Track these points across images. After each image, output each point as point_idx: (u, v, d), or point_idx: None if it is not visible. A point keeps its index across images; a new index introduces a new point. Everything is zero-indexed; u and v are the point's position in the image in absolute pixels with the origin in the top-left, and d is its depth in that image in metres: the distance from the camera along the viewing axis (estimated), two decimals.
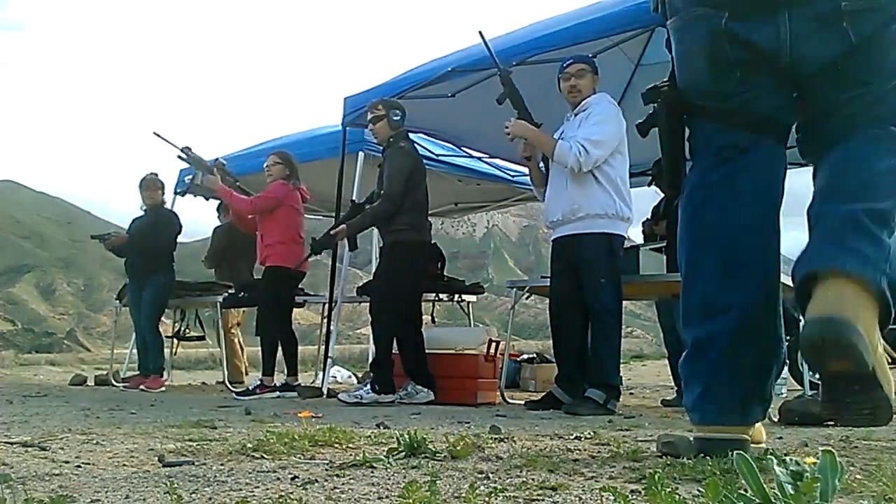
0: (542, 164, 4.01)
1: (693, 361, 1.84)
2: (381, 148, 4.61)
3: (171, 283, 5.93)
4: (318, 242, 4.83)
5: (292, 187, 5.17)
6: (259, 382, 5.02)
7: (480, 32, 3.84)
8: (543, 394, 4.14)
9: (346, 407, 4.10)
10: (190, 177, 6.22)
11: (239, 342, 6.78)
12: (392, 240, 4.39)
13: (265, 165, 5.25)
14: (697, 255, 1.86)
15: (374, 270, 8.13)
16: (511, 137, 3.86)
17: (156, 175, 6.09)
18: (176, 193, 6.67)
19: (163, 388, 5.67)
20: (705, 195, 1.86)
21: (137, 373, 5.96)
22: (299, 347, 5.33)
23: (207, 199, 5.61)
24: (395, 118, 4.37)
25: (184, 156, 5.59)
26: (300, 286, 5.44)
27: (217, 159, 6.02)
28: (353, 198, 4.99)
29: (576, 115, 3.85)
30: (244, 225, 5.41)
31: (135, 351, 7.27)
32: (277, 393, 4.97)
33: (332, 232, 4.69)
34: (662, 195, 5.02)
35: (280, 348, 5.17)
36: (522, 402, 4.38)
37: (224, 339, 6.26)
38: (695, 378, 1.84)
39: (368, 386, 4.26)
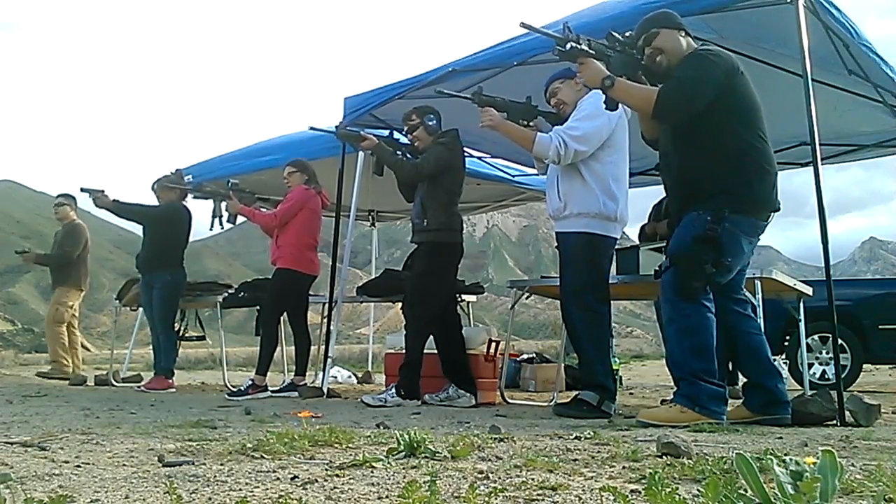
0: None
1: None
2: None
3: (180, 280, 5.85)
4: (344, 132, 4.69)
5: (314, 192, 5.20)
6: (251, 382, 4.95)
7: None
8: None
9: (346, 407, 4.10)
10: (190, 176, 6.25)
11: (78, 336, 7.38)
12: (426, 240, 4.34)
13: (283, 177, 5.27)
14: None
15: (374, 273, 8.14)
16: (482, 126, 3.81)
17: (175, 174, 6.02)
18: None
19: (172, 390, 5.56)
20: None
21: (142, 372, 5.93)
22: None
23: (234, 223, 5.58)
24: (430, 123, 4.36)
25: (198, 193, 5.70)
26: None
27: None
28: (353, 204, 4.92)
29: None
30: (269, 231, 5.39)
31: (135, 351, 7.31)
32: (269, 393, 4.94)
33: (363, 133, 4.56)
34: (665, 195, 5.00)
35: (295, 347, 5.18)
36: (522, 403, 4.38)
37: (63, 331, 6.99)
38: None
39: (393, 390, 4.18)
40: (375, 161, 4.52)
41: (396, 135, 5.64)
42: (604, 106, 3.23)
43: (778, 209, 3.09)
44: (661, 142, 3.25)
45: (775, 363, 5.67)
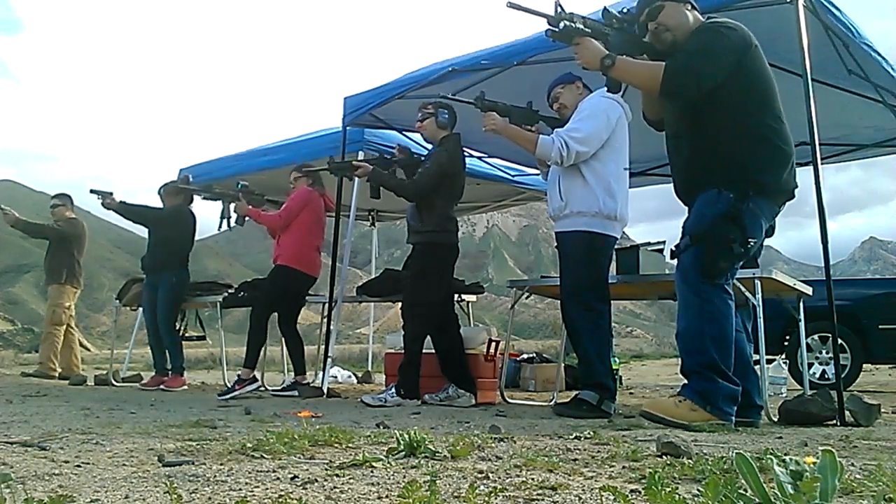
0: None
1: None
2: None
3: (184, 281, 5.93)
4: (335, 165, 4.76)
5: (317, 193, 5.24)
6: (237, 377, 4.95)
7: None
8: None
9: (346, 407, 4.10)
10: (190, 176, 6.28)
11: (78, 337, 7.57)
12: (421, 241, 4.36)
13: (289, 181, 5.34)
14: None
15: (374, 273, 8.14)
16: (486, 130, 3.81)
17: (182, 178, 6.10)
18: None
19: (185, 387, 5.75)
20: None
21: (142, 372, 5.99)
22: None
23: (243, 224, 5.62)
24: (442, 118, 4.40)
25: (208, 194, 5.79)
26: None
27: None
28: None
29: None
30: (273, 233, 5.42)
31: (135, 351, 7.32)
32: (257, 384, 4.96)
33: (354, 163, 4.61)
34: None
35: (287, 349, 5.21)
36: (522, 402, 4.38)
37: (59, 334, 7.13)
38: None
39: (393, 389, 4.20)
40: (371, 186, 4.55)
41: (395, 133, 5.66)
42: (605, 88, 3.11)
43: (793, 196, 2.92)
44: (669, 123, 3.07)
45: (778, 364, 5.71)
